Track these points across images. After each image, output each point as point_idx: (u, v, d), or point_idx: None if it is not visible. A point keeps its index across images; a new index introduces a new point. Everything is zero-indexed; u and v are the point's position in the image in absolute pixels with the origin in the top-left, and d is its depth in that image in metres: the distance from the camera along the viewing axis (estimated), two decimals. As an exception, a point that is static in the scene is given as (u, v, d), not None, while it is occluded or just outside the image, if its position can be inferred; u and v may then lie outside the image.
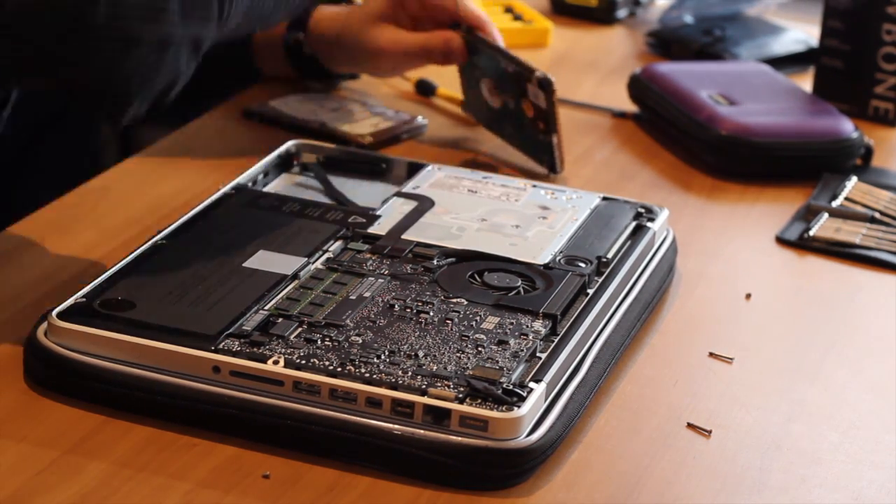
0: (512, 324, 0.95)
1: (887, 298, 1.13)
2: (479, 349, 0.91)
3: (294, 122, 1.32)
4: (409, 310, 0.95)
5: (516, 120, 1.28)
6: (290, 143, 1.19)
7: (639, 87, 1.42)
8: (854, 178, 1.29)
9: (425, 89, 1.43)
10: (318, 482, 0.84)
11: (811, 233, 1.20)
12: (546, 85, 1.23)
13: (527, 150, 1.29)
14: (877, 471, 0.91)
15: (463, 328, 0.93)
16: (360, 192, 1.15)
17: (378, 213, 1.08)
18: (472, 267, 1.01)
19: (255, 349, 0.89)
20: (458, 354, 0.90)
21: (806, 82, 1.50)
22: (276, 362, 0.88)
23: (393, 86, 1.43)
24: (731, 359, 1.02)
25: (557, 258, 1.04)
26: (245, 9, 0.98)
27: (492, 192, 1.14)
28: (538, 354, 0.92)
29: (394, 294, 0.97)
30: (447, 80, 1.39)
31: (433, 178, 1.16)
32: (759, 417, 0.96)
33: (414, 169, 1.18)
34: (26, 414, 0.88)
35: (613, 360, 0.98)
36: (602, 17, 1.71)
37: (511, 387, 0.87)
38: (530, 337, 0.93)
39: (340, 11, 1.34)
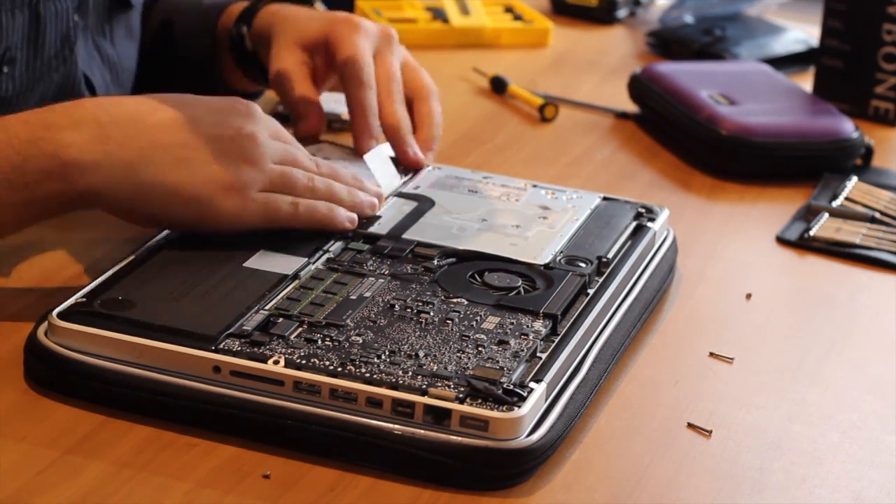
0: (512, 324, 0.94)
1: (887, 298, 1.13)
2: (480, 349, 0.91)
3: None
4: (409, 310, 0.95)
5: None
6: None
7: (639, 87, 1.42)
8: (854, 178, 1.29)
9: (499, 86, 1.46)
10: (318, 482, 0.84)
11: (811, 233, 1.20)
12: None
13: None
14: (877, 471, 0.91)
15: (463, 328, 0.93)
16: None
17: (378, 213, 1.08)
18: (472, 267, 1.01)
19: (256, 349, 0.89)
20: (459, 354, 0.90)
21: (806, 82, 1.50)
22: (276, 362, 0.88)
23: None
24: (731, 359, 1.02)
25: (558, 258, 1.04)
26: None
27: (492, 192, 1.14)
28: (538, 354, 0.92)
29: (394, 294, 0.97)
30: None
31: (433, 178, 1.16)
32: (759, 417, 0.96)
33: (414, 169, 1.18)
34: (26, 414, 0.88)
35: (614, 360, 0.98)
36: (602, 17, 1.71)
37: (511, 387, 0.87)
38: (531, 337, 0.93)
39: (285, 13, 1.24)
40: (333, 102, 1.33)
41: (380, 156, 1.14)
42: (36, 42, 1.12)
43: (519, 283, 1.00)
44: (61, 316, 0.91)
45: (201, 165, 0.98)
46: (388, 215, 1.08)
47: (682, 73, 1.42)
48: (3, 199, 0.94)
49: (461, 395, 0.86)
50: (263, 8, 1.25)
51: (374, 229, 1.06)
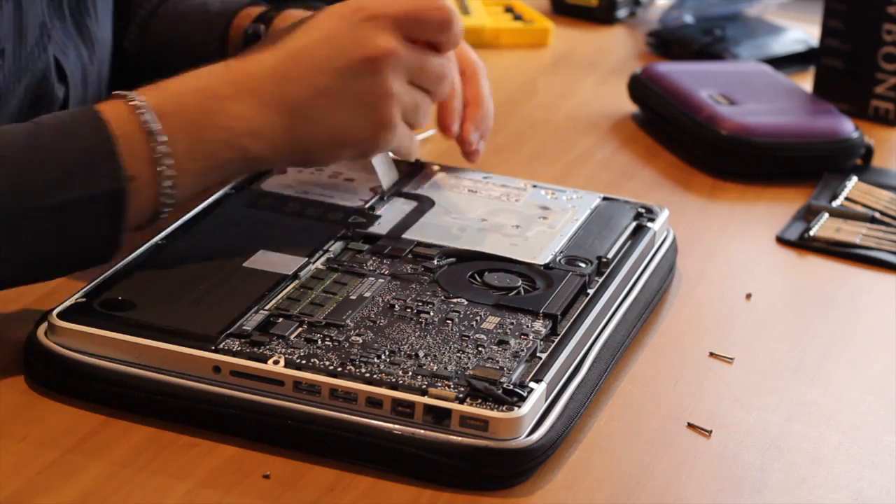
0: (512, 324, 0.94)
1: (887, 298, 1.13)
2: (480, 349, 0.91)
3: None
4: (409, 310, 0.95)
5: None
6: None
7: (639, 87, 1.42)
8: (854, 178, 1.29)
9: None
10: (318, 482, 0.84)
11: (811, 233, 1.20)
12: None
13: None
14: (877, 471, 0.91)
15: (463, 328, 0.93)
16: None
17: (378, 212, 1.08)
18: (472, 267, 1.01)
19: (256, 349, 0.89)
20: (459, 354, 0.90)
21: (806, 82, 1.50)
22: (276, 362, 0.88)
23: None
24: (731, 359, 1.02)
25: (558, 258, 1.04)
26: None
27: (492, 193, 1.14)
28: (538, 354, 0.92)
29: (394, 294, 0.97)
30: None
31: (433, 178, 1.16)
32: (759, 417, 0.96)
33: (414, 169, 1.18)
34: (26, 414, 0.88)
35: (614, 360, 0.98)
36: (602, 17, 1.71)
37: (511, 387, 0.87)
38: (531, 337, 0.93)
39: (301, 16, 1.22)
40: None
41: (384, 154, 1.14)
42: (20, 32, 1.10)
43: (519, 283, 1.00)
44: (61, 316, 0.91)
45: (347, 107, 0.99)
46: (388, 215, 1.08)
47: (682, 73, 1.42)
48: (185, 166, 0.95)
49: (461, 395, 0.86)
50: (281, 14, 1.25)
51: (374, 229, 1.06)
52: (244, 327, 0.91)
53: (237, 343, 0.89)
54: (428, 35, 1.02)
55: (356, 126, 0.99)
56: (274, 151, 0.98)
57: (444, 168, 1.18)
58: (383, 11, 1.00)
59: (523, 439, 0.85)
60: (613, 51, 1.63)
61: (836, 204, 1.25)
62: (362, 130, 1.00)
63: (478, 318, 0.95)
